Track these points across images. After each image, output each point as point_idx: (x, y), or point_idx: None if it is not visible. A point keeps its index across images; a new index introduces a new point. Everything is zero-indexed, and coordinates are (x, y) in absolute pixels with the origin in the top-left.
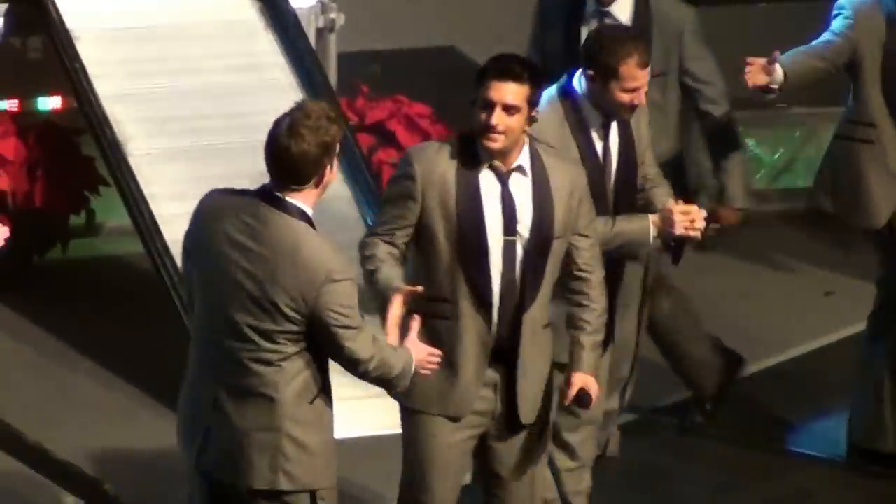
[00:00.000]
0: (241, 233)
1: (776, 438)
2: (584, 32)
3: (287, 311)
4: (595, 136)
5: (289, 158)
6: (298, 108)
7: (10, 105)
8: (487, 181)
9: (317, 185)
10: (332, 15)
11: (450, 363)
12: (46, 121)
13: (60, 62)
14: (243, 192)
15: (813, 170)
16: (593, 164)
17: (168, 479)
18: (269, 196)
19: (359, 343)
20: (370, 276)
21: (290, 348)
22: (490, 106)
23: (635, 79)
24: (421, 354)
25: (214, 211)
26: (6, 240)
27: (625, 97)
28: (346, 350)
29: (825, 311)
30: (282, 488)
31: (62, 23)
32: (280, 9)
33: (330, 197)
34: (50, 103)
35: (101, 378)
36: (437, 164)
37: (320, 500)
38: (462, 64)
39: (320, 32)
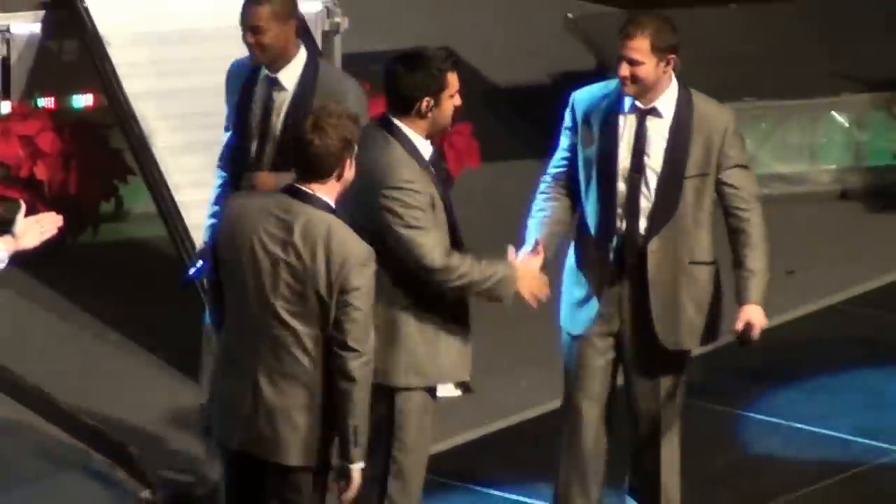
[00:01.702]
0: (276, 227)
1: (739, 404)
2: None
3: (324, 295)
4: (623, 121)
5: (313, 153)
6: (322, 108)
7: (47, 102)
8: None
9: (338, 179)
10: (337, 19)
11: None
12: (80, 117)
13: (92, 64)
14: (267, 193)
15: (778, 158)
16: (606, 150)
17: (186, 440)
18: (295, 191)
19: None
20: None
21: (314, 338)
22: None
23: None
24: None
25: (244, 212)
26: (59, 228)
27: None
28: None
29: (787, 289)
30: (291, 462)
31: (94, 28)
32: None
33: None
34: (83, 101)
35: (126, 348)
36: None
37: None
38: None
39: (326, 35)
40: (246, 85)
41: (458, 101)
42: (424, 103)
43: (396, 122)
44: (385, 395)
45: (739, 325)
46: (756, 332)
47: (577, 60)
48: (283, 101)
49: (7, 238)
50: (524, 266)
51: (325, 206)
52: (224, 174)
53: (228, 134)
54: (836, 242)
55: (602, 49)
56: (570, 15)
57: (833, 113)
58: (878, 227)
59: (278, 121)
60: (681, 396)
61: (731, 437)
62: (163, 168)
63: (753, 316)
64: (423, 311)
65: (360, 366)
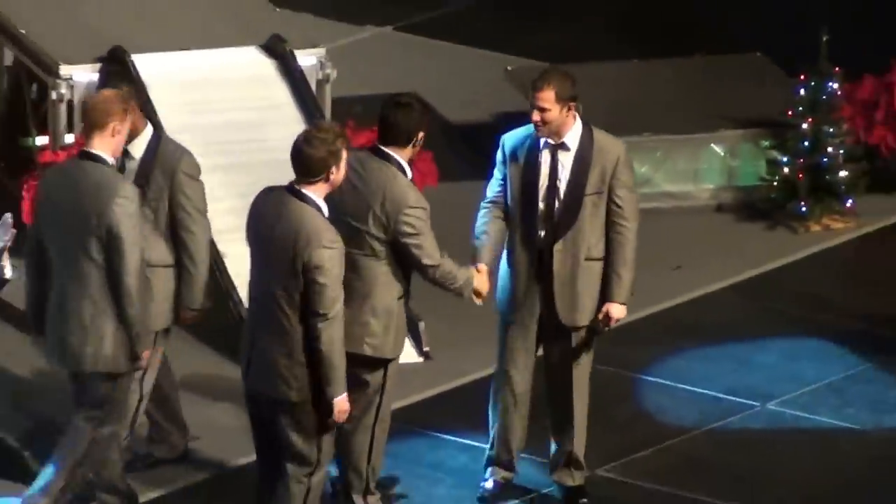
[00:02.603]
0: (271, 215)
1: (636, 369)
2: None
3: (299, 269)
4: (541, 156)
5: (303, 158)
6: (315, 125)
7: None
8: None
9: (325, 181)
10: (328, 70)
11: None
12: None
13: (139, 103)
14: (279, 188)
15: (669, 180)
16: (529, 178)
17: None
18: (291, 189)
19: (329, 294)
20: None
21: (300, 303)
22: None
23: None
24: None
25: (260, 202)
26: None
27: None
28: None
29: (675, 280)
30: (291, 399)
31: (139, 76)
32: (290, 65)
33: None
34: None
35: None
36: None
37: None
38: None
39: (319, 83)
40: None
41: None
42: (419, 136)
43: (390, 151)
44: (380, 364)
45: (601, 316)
46: (612, 324)
47: (514, 104)
48: None
49: None
50: (477, 275)
51: (310, 201)
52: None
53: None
54: (713, 245)
55: None
56: (508, 67)
57: (712, 145)
58: (746, 233)
59: None
60: (587, 364)
61: (628, 394)
62: None
63: (613, 311)
64: (406, 301)
65: (324, 326)
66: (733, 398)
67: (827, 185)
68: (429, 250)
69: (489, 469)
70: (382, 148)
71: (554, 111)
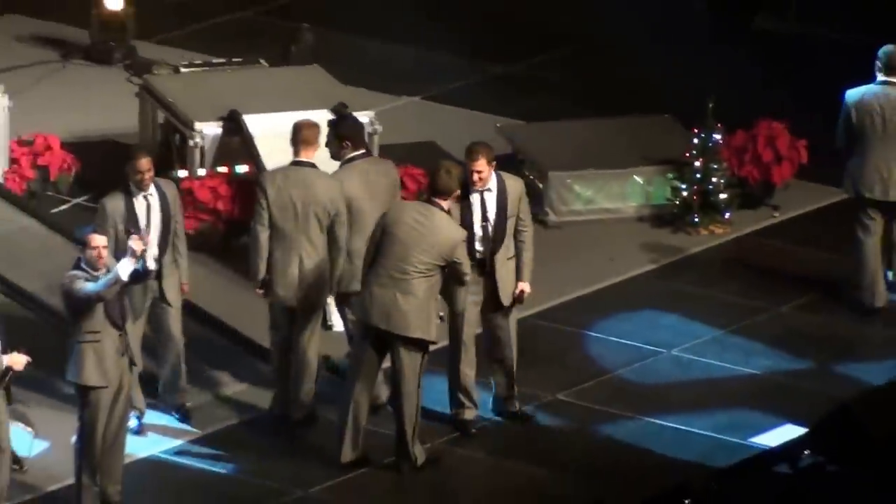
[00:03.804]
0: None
1: (580, 326)
2: None
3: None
4: (474, 199)
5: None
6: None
7: (223, 169)
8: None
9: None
10: (376, 126)
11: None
12: (240, 178)
13: (247, 149)
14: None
15: (606, 199)
16: (470, 213)
17: None
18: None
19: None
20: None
21: None
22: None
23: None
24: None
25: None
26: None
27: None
28: None
29: (608, 270)
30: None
31: (248, 129)
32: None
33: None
34: (243, 169)
35: None
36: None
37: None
38: (438, 151)
39: (370, 135)
40: None
41: None
42: (456, 193)
43: (438, 201)
44: (418, 340)
45: (518, 292)
46: (524, 297)
47: (502, 149)
48: None
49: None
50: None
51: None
52: None
53: None
54: (636, 244)
55: (516, 144)
56: (497, 124)
57: (634, 176)
58: (657, 236)
59: None
60: (514, 325)
61: (576, 345)
62: None
63: (526, 288)
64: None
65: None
66: (648, 346)
67: (712, 204)
68: (467, 265)
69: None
70: (432, 198)
71: (486, 171)
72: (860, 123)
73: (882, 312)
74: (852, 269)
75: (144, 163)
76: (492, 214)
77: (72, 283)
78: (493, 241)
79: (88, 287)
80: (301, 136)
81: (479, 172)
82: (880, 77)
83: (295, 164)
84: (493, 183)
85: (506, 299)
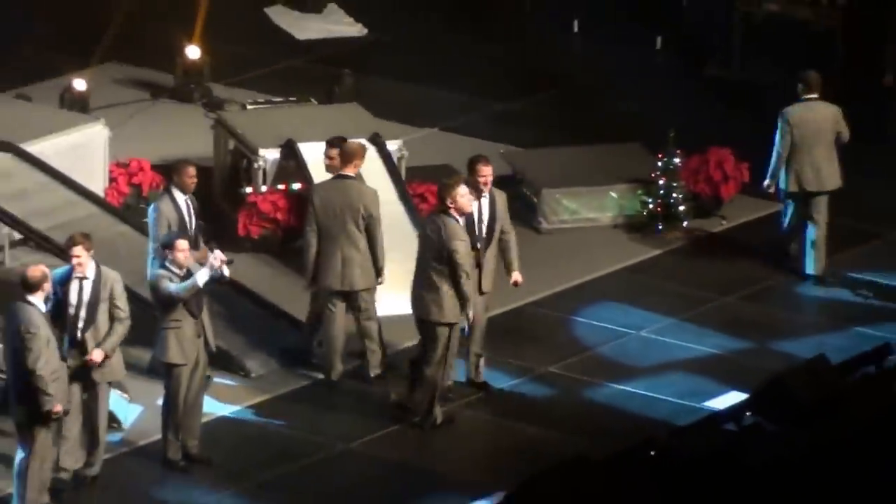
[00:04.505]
0: None
1: (565, 313)
2: None
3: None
4: (475, 205)
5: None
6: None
7: (281, 186)
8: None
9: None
10: (403, 152)
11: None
12: (296, 192)
13: (300, 170)
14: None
15: (587, 210)
16: (469, 219)
17: None
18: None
19: None
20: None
21: None
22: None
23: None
24: None
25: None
26: (223, 262)
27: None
28: None
29: (588, 264)
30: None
31: (301, 155)
32: (383, 149)
33: (392, 211)
34: (297, 186)
35: None
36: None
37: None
38: (452, 171)
39: (398, 159)
40: None
41: None
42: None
43: (450, 210)
44: (435, 324)
45: (516, 278)
46: (520, 283)
47: (504, 170)
48: None
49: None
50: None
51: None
52: None
53: None
54: (612, 246)
55: (515, 167)
56: (501, 150)
57: (611, 192)
58: (629, 240)
59: None
60: (485, 305)
61: (563, 327)
62: None
63: (519, 277)
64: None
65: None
66: (621, 328)
67: (673, 215)
68: (464, 259)
69: None
70: (443, 208)
71: (491, 176)
72: (797, 133)
73: (818, 279)
74: (794, 246)
75: (193, 170)
76: (484, 221)
77: (159, 281)
78: (487, 239)
79: (171, 288)
80: (344, 155)
81: (486, 177)
82: (803, 96)
83: (337, 177)
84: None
85: (487, 286)
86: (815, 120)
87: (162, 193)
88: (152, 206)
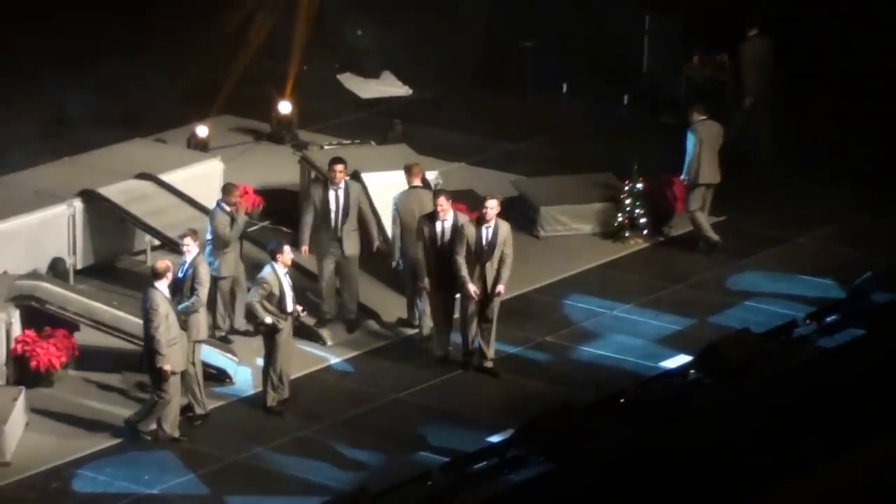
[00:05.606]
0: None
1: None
2: None
3: None
4: (481, 229)
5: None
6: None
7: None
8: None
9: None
10: (439, 180)
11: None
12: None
13: (365, 193)
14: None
15: (579, 222)
16: (478, 242)
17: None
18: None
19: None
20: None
21: None
22: (484, 214)
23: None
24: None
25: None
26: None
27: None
28: None
29: (574, 264)
30: None
31: (364, 182)
32: (423, 178)
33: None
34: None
35: None
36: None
37: None
38: (475, 195)
39: (435, 186)
40: None
41: None
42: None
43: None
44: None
45: (499, 289)
46: (501, 295)
47: (511, 194)
48: None
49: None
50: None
51: None
52: None
53: None
54: (593, 250)
55: (521, 191)
56: (511, 179)
57: (591, 209)
58: (606, 244)
59: None
60: (498, 305)
61: (553, 308)
62: None
63: (503, 289)
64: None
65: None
66: (598, 308)
67: (636, 226)
68: (461, 261)
69: None
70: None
71: (495, 209)
72: (703, 147)
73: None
74: (702, 244)
75: (238, 191)
76: (485, 241)
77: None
78: (486, 256)
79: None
80: (409, 173)
81: (490, 209)
82: (699, 118)
83: (411, 188)
84: (493, 222)
85: (495, 292)
86: (713, 134)
87: (216, 207)
88: (210, 215)
